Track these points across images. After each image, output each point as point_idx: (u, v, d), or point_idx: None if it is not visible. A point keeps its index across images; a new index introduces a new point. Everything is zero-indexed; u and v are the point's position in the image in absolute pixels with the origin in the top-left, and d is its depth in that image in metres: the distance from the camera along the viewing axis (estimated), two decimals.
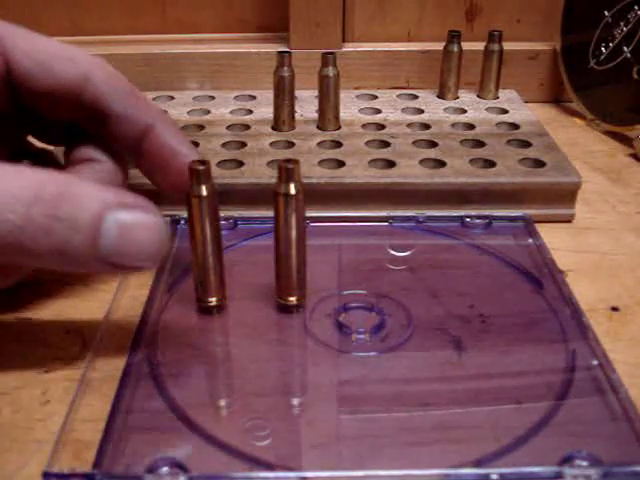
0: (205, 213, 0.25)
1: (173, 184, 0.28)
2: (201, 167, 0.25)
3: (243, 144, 0.38)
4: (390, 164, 0.35)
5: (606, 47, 0.44)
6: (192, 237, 0.26)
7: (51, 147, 0.31)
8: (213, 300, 0.27)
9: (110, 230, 0.21)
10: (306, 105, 0.43)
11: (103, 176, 0.28)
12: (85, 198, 0.21)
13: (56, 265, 0.22)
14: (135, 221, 0.22)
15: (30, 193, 0.21)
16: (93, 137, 0.28)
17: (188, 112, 0.42)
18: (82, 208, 0.21)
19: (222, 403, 0.24)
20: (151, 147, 0.28)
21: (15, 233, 0.21)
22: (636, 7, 0.42)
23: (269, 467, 0.21)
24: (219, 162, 0.35)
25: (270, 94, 0.40)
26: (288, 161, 0.25)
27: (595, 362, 0.25)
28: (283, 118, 0.39)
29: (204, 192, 0.25)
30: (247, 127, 0.40)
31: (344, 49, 0.47)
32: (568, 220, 0.35)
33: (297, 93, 0.40)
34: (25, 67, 0.26)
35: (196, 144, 0.37)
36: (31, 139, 0.31)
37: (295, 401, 0.24)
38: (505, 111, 0.42)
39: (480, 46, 0.44)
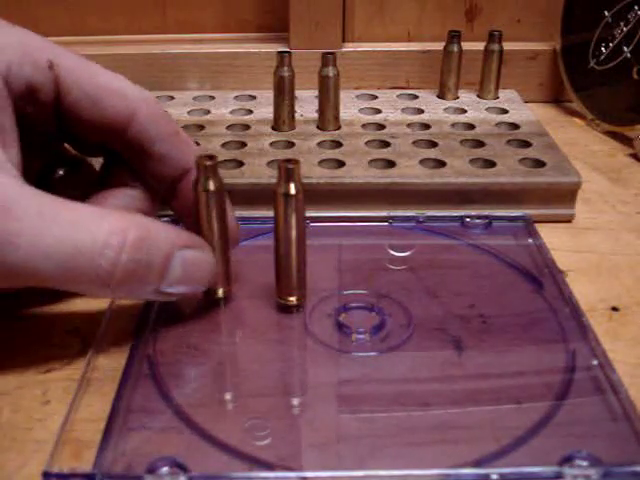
0: (213, 208, 0.25)
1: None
2: (209, 162, 0.25)
3: (243, 144, 0.38)
4: (390, 164, 0.36)
5: (606, 47, 0.44)
6: (200, 232, 0.26)
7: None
8: (220, 292, 0.28)
9: (175, 268, 0.24)
10: (306, 105, 0.43)
11: (135, 203, 0.28)
12: (159, 240, 0.23)
13: (120, 297, 0.24)
14: (196, 258, 0.25)
15: (119, 240, 0.22)
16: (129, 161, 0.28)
17: (188, 112, 0.42)
18: (157, 249, 0.23)
19: (222, 403, 0.24)
20: (185, 188, 0.28)
21: (104, 277, 0.22)
22: (636, 7, 0.42)
23: (269, 467, 0.21)
24: (219, 162, 0.35)
25: (270, 94, 0.40)
26: (288, 161, 0.25)
27: (595, 362, 0.25)
28: (283, 118, 0.39)
29: (212, 187, 0.25)
30: (247, 127, 0.40)
31: (344, 49, 0.47)
32: (568, 220, 0.35)
33: (297, 93, 0.40)
34: (75, 97, 0.26)
35: (196, 144, 0.37)
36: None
37: (295, 401, 0.24)
38: (505, 111, 0.42)
39: (480, 46, 0.44)
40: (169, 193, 0.28)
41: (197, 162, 0.25)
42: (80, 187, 0.28)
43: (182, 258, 0.24)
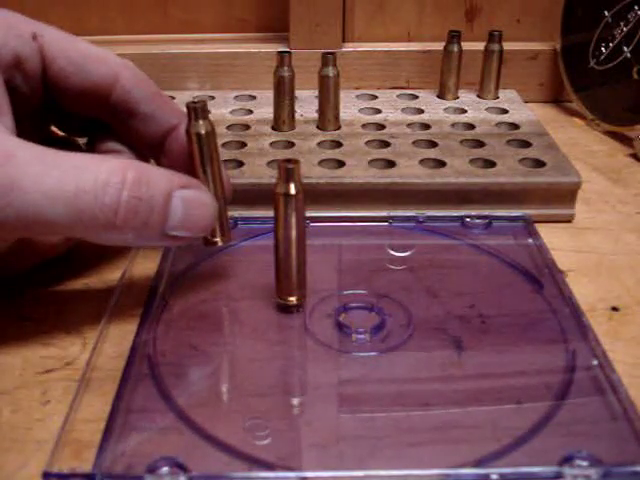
0: (206, 150, 0.26)
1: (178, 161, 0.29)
2: (199, 105, 0.26)
3: (243, 144, 0.38)
4: (390, 164, 0.36)
5: (606, 47, 0.44)
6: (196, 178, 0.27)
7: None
8: (218, 240, 0.28)
9: (177, 207, 0.24)
10: (306, 105, 0.43)
11: None
12: (157, 180, 0.24)
13: (127, 243, 0.24)
14: (195, 198, 0.25)
15: (119, 177, 0.23)
16: (114, 131, 0.29)
17: None
18: (156, 187, 0.24)
19: (222, 403, 0.24)
20: (173, 145, 0.29)
21: (108, 215, 0.23)
22: (636, 7, 0.42)
23: (269, 467, 0.21)
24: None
25: (270, 94, 0.40)
26: (288, 161, 0.25)
27: (595, 362, 0.25)
28: (283, 118, 0.39)
29: (203, 130, 0.26)
30: (247, 127, 0.40)
31: (344, 49, 0.47)
32: (568, 220, 0.35)
33: (297, 93, 0.40)
34: (60, 65, 0.27)
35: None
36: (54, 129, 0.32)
37: (295, 401, 0.24)
38: (505, 111, 0.42)
39: (480, 46, 0.44)
40: (158, 152, 0.29)
41: (187, 106, 0.26)
42: None
43: (182, 198, 0.25)
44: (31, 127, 0.29)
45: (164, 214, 0.24)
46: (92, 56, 0.28)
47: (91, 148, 0.30)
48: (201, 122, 0.26)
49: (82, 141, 0.32)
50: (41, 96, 0.28)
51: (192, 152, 0.26)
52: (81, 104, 0.29)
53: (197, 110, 0.26)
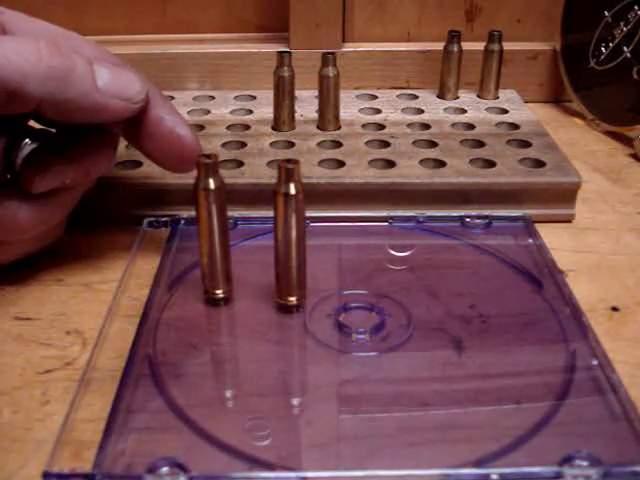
0: (212, 206, 0.26)
1: (160, 150, 0.29)
2: (208, 161, 0.25)
3: (243, 144, 0.38)
4: (390, 164, 0.35)
5: (606, 47, 0.44)
6: (200, 230, 0.26)
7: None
8: (220, 292, 0.28)
9: (101, 71, 0.26)
10: (306, 105, 0.43)
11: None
12: (73, 54, 0.26)
13: (80, 113, 0.26)
14: (117, 68, 0.27)
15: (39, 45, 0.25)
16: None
17: (188, 112, 0.42)
18: (75, 60, 0.26)
19: (222, 403, 0.24)
20: (139, 117, 0.29)
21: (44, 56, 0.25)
22: (636, 7, 0.42)
23: (269, 467, 0.21)
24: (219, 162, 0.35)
25: (270, 94, 0.40)
26: (288, 161, 0.25)
27: (595, 362, 0.25)
28: (283, 118, 0.39)
29: (212, 185, 0.25)
30: (247, 127, 0.40)
31: (344, 49, 0.47)
32: (568, 220, 0.35)
33: (297, 93, 0.40)
34: None
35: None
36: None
37: (295, 401, 0.24)
38: (505, 111, 0.42)
39: (480, 46, 0.44)
40: (124, 126, 0.29)
41: (197, 161, 0.25)
42: (45, 159, 0.28)
43: (105, 66, 0.27)
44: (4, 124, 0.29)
45: (91, 76, 0.26)
46: (51, 32, 0.29)
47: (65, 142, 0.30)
48: (211, 179, 0.25)
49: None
50: None
51: (198, 206, 0.26)
52: None
53: (208, 166, 0.25)
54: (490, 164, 0.35)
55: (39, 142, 0.30)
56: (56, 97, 0.25)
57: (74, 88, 0.26)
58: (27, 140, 0.30)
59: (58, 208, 0.29)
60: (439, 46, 0.44)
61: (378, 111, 0.42)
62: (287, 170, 0.25)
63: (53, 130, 0.31)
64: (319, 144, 0.38)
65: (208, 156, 0.25)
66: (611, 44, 0.44)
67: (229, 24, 0.49)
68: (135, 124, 0.29)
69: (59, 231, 0.31)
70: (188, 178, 0.33)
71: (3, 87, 0.24)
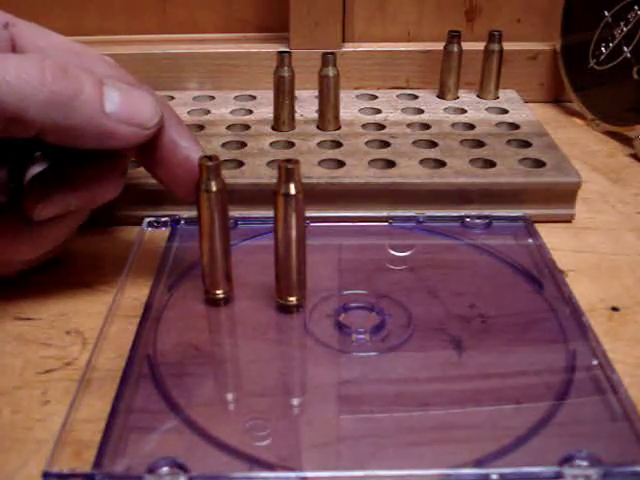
0: (214, 208, 0.26)
1: (174, 177, 0.27)
2: (210, 163, 0.25)
3: (243, 144, 0.38)
4: (390, 164, 0.36)
5: (606, 47, 0.44)
6: (201, 232, 0.26)
7: None
8: (220, 292, 0.28)
9: (112, 94, 0.25)
10: (306, 105, 0.43)
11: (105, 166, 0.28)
12: (82, 76, 0.25)
13: (85, 138, 0.25)
14: (130, 88, 0.26)
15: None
16: None
17: (188, 112, 0.42)
18: (83, 82, 0.25)
19: (222, 403, 0.24)
20: (152, 142, 0.27)
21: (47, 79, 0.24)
22: (636, 7, 0.42)
23: (269, 467, 0.21)
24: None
25: (270, 94, 0.40)
26: (288, 161, 0.25)
27: (595, 362, 0.25)
28: (283, 118, 0.39)
29: (214, 187, 0.25)
30: (247, 127, 0.40)
31: (344, 49, 0.47)
32: (568, 220, 0.35)
33: (297, 93, 0.40)
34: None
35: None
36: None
37: (295, 401, 0.24)
38: (505, 111, 0.42)
39: (480, 46, 0.44)
40: (137, 149, 0.28)
41: (199, 163, 0.25)
42: (48, 186, 0.27)
43: (117, 87, 0.25)
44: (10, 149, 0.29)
45: (100, 101, 0.25)
46: (62, 45, 0.28)
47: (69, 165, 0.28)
48: (213, 182, 0.25)
49: None
50: None
51: (200, 207, 0.26)
52: None
53: (210, 168, 0.25)
54: (490, 164, 0.35)
55: (46, 166, 0.29)
56: (59, 122, 0.24)
57: (79, 113, 0.24)
58: (33, 164, 0.30)
59: (60, 232, 0.28)
60: (439, 46, 0.44)
61: (378, 111, 0.42)
62: (287, 170, 0.25)
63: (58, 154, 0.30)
64: (319, 144, 0.38)
65: (210, 158, 0.25)
66: (611, 44, 0.44)
67: (229, 24, 0.49)
68: (148, 149, 0.27)
69: (63, 246, 0.30)
70: None
71: (1, 112, 0.23)
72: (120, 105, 0.25)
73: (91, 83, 0.25)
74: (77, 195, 0.27)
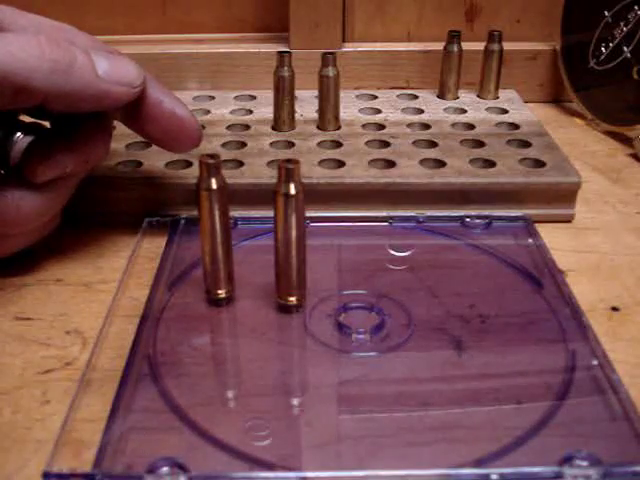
0: (215, 207, 0.26)
1: (162, 130, 0.30)
2: (211, 161, 0.25)
3: (243, 144, 0.38)
4: (390, 164, 0.35)
5: (606, 47, 0.44)
6: (202, 230, 0.26)
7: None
8: (222, 292, 0.28)
9: (99, 60, 0.27)
10: (306, 105, 0.43)
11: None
12: (71, 47, 0.27)
13: (85, 101, 0.27)
14: (111, 55, 0.28)
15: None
16: None
17: None
18: (74, 52, 0.26)
19: (222, 403, 0.24)
20: (139, 101, 0.29)
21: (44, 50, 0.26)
22: (636, 7, 0.42)
23: (269, 467, 0.21)
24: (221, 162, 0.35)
25: (270, 94, 0.40)
26: (288, 161, 0.25)
27: (595, 362, 0.25)
28: (283, 118, 0.39)
29: (214, 186, 0.25)
30: (247, 127, 0.40)
31: (344, 49, 0.47)
32: (568, 220, 0.35)
33: (297, 93, 0.40)
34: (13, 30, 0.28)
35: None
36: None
37: (295, 401, 0.24)
38: (505, 111, 0.42)
39: (480, 46, 0.44)
40: (131, 116, 0.30)
41: (200, 161, 0.25)
42: (46, 149, 0.28)
43: (103, 54, 0.28)
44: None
45: (91, 65, 0.27)
46: (45, 24, 0.29)
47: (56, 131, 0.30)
48: (213, 179, 0.25)
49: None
50: None
51: (200, 206, 0.26)
52: None
53: (211, 167, 0.25)
54: (490, 164, 0.35)
55: (32, 135, 0.30)
56: (61, 89, 0.26)
57: (77, 79, 0.26)
58: (19, 134, 0.31)
59: (58, 197, 0.30)
60: (439, 46, 0.44)
61: (378, 111, 0.42)
62: (287, 170, 0.25)
63: (44, 123, 0.31)
64: (319, 144, 0.38)
65: (211, 156, 0.25)
66: (611, 44, 0.44)
67: (229, 24, 0.49)
68: (135, 109, 0.29)
69: (56, 222, 0.31)
70: (189, 178, 0.34)
71: (10, 82, 0.24)
72: (109, 69, 0.27)
73: (80, 52, 0.27)
74: (73, 155, 0.29)
